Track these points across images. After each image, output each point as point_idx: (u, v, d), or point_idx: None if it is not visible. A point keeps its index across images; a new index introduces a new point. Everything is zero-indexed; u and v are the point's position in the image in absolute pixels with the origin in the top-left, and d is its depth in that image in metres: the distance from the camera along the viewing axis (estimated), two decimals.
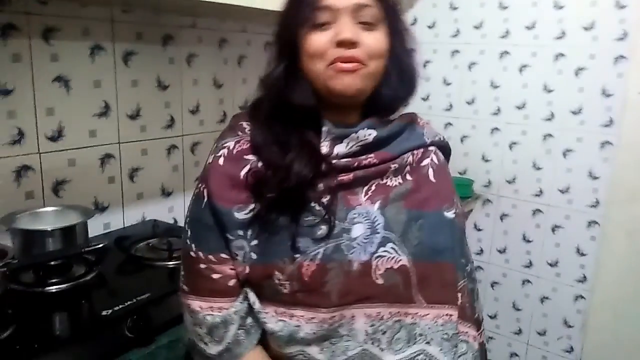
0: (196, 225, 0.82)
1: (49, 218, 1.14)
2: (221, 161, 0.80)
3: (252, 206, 0.78)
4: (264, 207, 0.77)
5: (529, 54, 1.93)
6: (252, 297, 0.80)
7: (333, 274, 0.76)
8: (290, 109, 0.79)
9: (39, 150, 1.23)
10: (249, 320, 0.81)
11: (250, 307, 0.80)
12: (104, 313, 0.94)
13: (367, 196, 0.81)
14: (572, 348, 2.00)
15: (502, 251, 2.12)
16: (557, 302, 2.01)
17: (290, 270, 0.76)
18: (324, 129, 0.80)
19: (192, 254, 0.81)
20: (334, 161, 0.79)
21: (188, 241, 0.82)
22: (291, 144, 0.79)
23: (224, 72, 1.68)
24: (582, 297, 1.95)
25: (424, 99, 2.18)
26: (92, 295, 1.05)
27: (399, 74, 0.81)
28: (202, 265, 0.80)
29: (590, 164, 1.87)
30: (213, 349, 0.80)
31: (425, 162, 0.86)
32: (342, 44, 0.74)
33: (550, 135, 1.93)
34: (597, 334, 1.92)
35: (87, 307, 1.02)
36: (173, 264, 1.17)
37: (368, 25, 0.76)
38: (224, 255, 0.80)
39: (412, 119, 0.88)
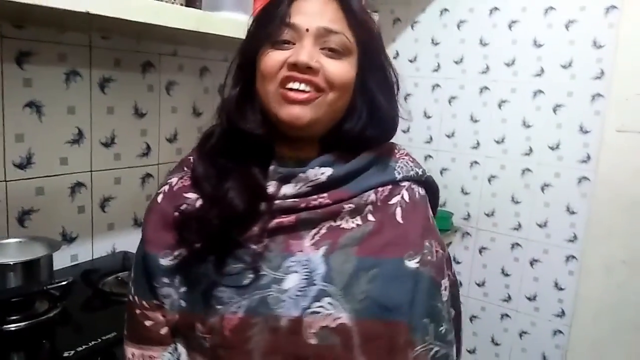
0: (135, 267, 0.77)
1: (11, 250, 1.08)
2: (160, 199, 0.76)
3: (179, 251, 0.72)
4: (188, 252, 0.71)
5: (509, 90, 1.96)
6: (180, 348, 0.74)
7: (257, 329, 0.67)
8: (239, 138, 0.73)
9: (5, 178, 1.18)
10: None
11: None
12: (65, 354, 0.88)
13: (312, 241, 0.70)
14: None
15: (480, 284, 2.11)
16: (536, 337, 1.99)
17: (211, 323, 0.68)
18: (271, 168, 0.72)
19: (131, 297, 0.77)
20: (277, 202, 0.71)
21: (130, 283, 0.78)
22: (232, 175, 0.72)
23: (204, 100, 1.66)
24: (560, 332, 1.94)
25: (405, 131, 2.18)
26: (55, 334, 0.99)
27: (370, 111, 0.74)
28: (138, 311, 0.76)
29: (568, 199, 1.88)
30: None
31: (394, 200, 0.74)
32: (295, 66, 0.67)
33: (528, 169, 1.94)
34: None
35: (48, 347, 0.96)
36: None
37: (334, 53, 0.70)
38: (155, 302, 0.74)
39: (385, 152, 0.78)
